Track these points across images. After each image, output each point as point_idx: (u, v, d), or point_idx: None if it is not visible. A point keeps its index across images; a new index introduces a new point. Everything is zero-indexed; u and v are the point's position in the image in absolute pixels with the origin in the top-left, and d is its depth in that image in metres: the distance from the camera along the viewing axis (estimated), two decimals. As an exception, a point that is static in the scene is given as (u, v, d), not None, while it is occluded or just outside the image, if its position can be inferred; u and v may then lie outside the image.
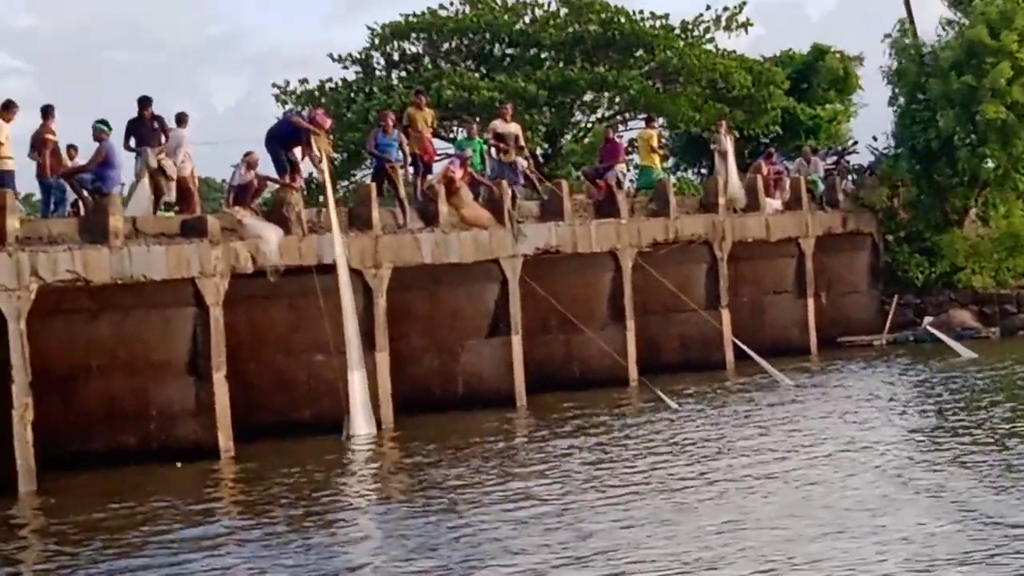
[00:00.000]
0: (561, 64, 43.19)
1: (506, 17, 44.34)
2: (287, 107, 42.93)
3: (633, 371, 31.81)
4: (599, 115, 45.36)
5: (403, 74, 44.70)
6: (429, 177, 29.87)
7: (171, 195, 25.68)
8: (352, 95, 43.56)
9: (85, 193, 24.20)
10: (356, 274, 26.51)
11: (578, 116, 45.53)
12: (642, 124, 39.09)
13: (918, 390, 29.18)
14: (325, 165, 27.54)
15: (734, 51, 44.90)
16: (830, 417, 25.64)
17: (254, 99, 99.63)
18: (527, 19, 44.54)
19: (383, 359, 26.88)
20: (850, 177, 42.50)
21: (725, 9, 44.47)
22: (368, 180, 30.39)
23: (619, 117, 44.83)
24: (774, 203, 37.46)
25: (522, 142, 32.52)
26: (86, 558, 17.22)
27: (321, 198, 27.57)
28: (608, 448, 23.45)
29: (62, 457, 23.01)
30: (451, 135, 41.82)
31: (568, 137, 45.72)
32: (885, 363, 34.09)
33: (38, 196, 26.85)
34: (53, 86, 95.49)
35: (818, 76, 45.40)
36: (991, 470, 19.38)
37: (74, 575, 16.54)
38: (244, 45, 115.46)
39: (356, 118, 41.77)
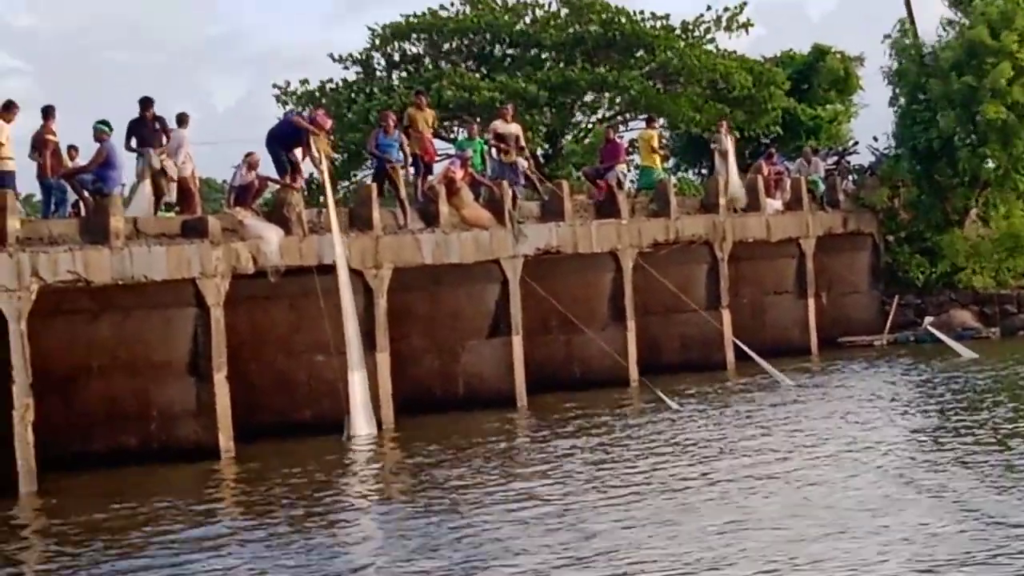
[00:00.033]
0: (562, 65, 43.18)
1: (507, 18, 44.34)
2: (287, 107, 42.92)
3: (634, 371, 31.80)
4: (600, 115, 45.38)
5: (404, 74, 44.69)
6: (430, 178, 29.87)
7: (172, 196, 25.68)
8: (352, 95, 43.55)
9: (86, 194, 24.18)
10: (357, 274, 26.50)
11: (579, 116, 45.54)
12: (643, 124, 39.08)
13: (919, 390, 29.17)
14: (325, 166, 27.54)
15: (735, 52, 44.94)
16: (831, 417, 25.61)
17: (254, 99, 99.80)
18: (528, 19, 44.54)
19: (384, 359, 26.88)
20: (851, 177, 42.51)
21: (726, 9, 44.50)
22: (369, 180, 30.37)
23: (620, 117, 44.83)
24: (775, 203, 37.45)
25: (523, 142, 32.52)
26: (87, 559, 17.21)
27: (321, 198, 27.55)
28: (609, 448, 23.44)
29: (63, 458, 23.00)
30: (452, 136, 41.82)
31: (569, 137, 45.72)
32: (886, 363, 34.08)
33: (39, 197, 26.83)
34: (53, 86, 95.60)
35: (819, 76, 45.40)
36: (993, 470, 19.37)
37: (75, 576, 16.55)
38: (244, 45, 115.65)
39: (356, 118, 41.77)
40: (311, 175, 33.12)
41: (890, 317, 39.20)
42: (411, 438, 25.43)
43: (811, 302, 37.55)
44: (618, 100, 44.24)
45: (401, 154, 28.82)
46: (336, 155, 40.00)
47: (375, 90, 43.40)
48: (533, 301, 30.11)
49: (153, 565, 16.63)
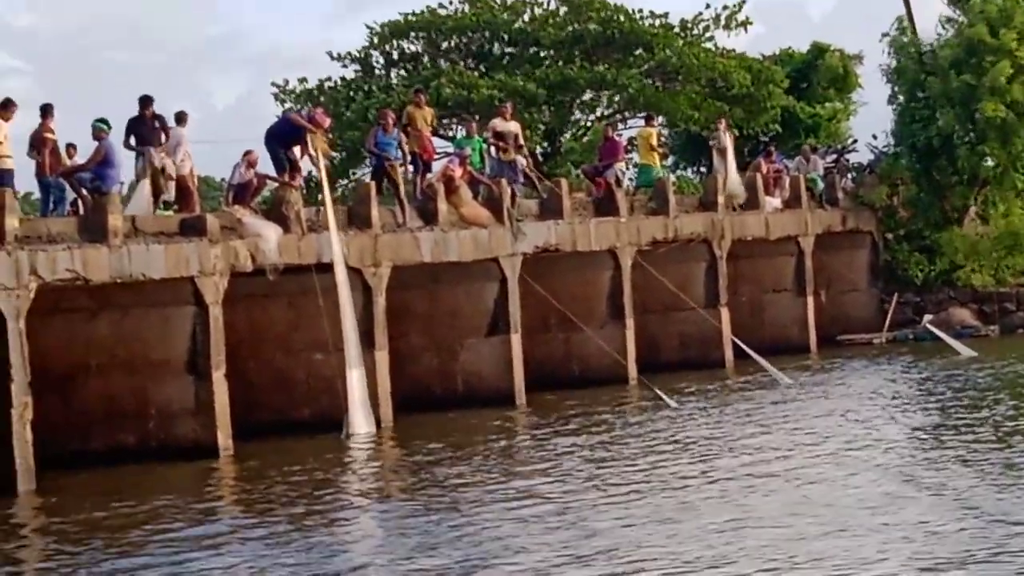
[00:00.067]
0: (560, 63, 43.15)
1: (505, 16, 44.31)
2: (286, 106, 42.91)
3: (632, 370, 31.79)
4: (598, 113, 45.36)
5: (402, 73, 44.65)
6: (428, 176, 29.85)
7: (170, 194, 25.65)
8: (351, 94, 43.51)
9: (84, 192, 24.17)
10: (355, 272, 26.48)
11: (577, 115, 45.49)
12: (641, 122, 39.07)
13: (919, 388, 29.16)
14: (322, 164, 27.53)
15: (733, 50, 44.89)
16: (831, 415, 25.60)
17: (254, 98, 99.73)
18: (526, 18, 44.51)
19: (382, 358, 26.86)
20: (850, 175, 42.49)
21: (724, 8, 44.44)
22: (367, 179, 30.35)
23: (618, 115, 44.79)
24: (774, 201, 37.43)
25: (521, 140, 32.51)
26: (86, 557, 17.19)
27: (320, 196, 27.53)
28: (609, 447, 23.42)
29: (61, 456, 22.98)
30: (450, 134, 41.81)
31: (567, 135, 45.67)
32: (885, 361, 34.06)
33: (37, 195, 26.83)
34: (53, 86, 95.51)
35: (818, 74, 45.33)
36: (993, 468, 19.35)
37: (75, 574, 16.50)
38: (244, 45, 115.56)
39: (355, 117, 41.74)
40: (310, 173, 33.10)
41: (889, 315, 39.18)
42: (410, 436, 25.42)
43: (810, 300, 37.53)
44: (617, 98, 44.20)
45: (400, 152, 28.81)
46: (335, 153, 40.05)
47: (374, 88, 43.38)
48: (532, 299, 30.09)
49: (152, 563, 16.61)
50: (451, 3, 44.57)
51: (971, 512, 16.66)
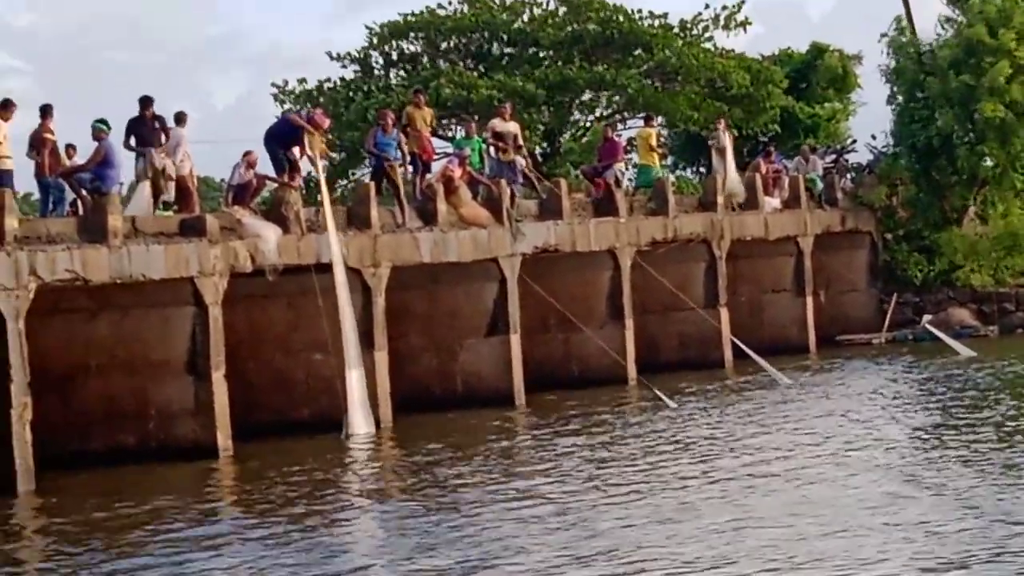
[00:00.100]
0: (560, 63, 43.14)
1: (504, 16, 44.31)
2: (286, 106, 42.91)
3: (632, 370, 31.78)
4: (598, 114, 45.35)
5: (402, 73, 44.66)
6: (428, 176, 29.84)
7: (170, 194, 25.64)
8: (351, 94, 43.52)
9: (84, 192, 24.16)
10: (355, 273, 26.47)
11: (577, 115, 45.49)
12: (641, 123, 39.05)
13: (919, 388, 29.16)
14: (320, 164, 27.51)
15: (733, 50, 44.90)
16: (831, 415, 25.59)
17: (254, 99, 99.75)
18: (525, 18, 44.51)
19: (382, 358, 26.85)
20: (849, 176, 42.47)
21: (724, 8, 44.46)
22: (367, 179, 30.34)
23: (618, 116, 44.78)
24: (773, 202, 37.43)
25: (521, 141, 32.51)
26: (86, 558, 17.18)
27: (319, 197, 27.53)
28: (609, 447, 23.41)
29: (61, 456, 22.97)
30: (450, 134, 41.80)
31: (567, 136, 45.67)
32: (885, 361, 34.05)
33: (37, 195, 26.80)
34: (53, 86, 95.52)
35: (817, 75, 45.33)
36: (994, 468, 19.35)
37: (75, 575, 16.48)
38: (244, 45, 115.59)
39: (355, 117, 41.72)
40: (309, 173, 33.10)
41: (888, 315, 39.18)
42: (409, 437, 25.41)
43: (809, 300, 37.53)
44: (616, 98, 44.20)
45: (399, 153, 28.80)
46: (334, 154, 40.06)
47: (373, 89, 43.37)
48: (531, 300, 30.08)
49: (152, 564, 16.60)
50: (450, 3, 44.63)
51: (972, 512, 16.65)
